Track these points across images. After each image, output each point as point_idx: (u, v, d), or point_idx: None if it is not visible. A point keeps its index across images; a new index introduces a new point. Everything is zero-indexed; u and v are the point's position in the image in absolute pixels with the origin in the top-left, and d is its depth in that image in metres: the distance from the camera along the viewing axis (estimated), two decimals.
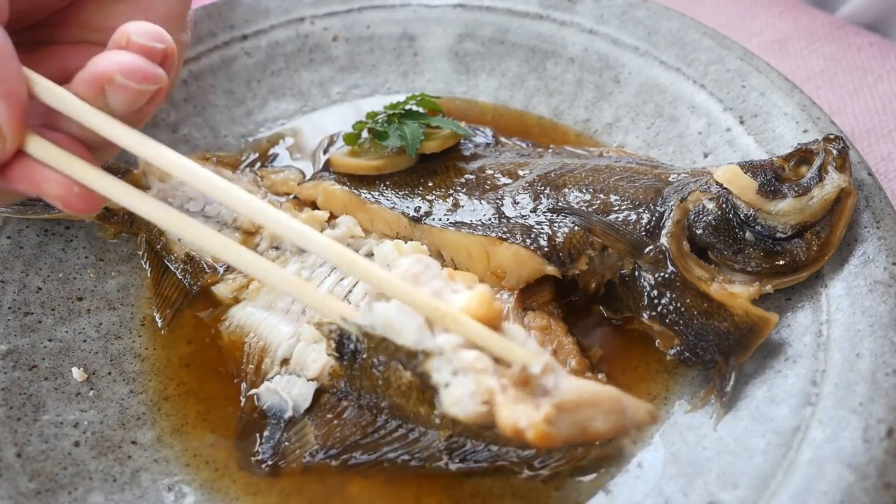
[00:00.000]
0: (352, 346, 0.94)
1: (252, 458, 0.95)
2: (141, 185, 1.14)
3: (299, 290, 0.84)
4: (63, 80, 0.84)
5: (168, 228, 0.85)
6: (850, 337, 0.91)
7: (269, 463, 0.94)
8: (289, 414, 0.95)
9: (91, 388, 1.01)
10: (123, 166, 1.15)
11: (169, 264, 1.10)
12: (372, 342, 0.82)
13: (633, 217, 1.00)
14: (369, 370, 0.93)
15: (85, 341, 1.05)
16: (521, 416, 0.72)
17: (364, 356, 0.91)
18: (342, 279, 1.03)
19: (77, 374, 1.01)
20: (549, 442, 0.72)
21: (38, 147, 0.82)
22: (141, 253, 1.12)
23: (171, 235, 1.11)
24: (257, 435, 0.96)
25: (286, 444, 0.95)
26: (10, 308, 1.04)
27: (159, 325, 1.06)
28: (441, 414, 0.85)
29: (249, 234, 1.12)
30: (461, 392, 0.75)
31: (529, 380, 0.75)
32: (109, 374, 1.02)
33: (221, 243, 0.84)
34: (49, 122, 0.85)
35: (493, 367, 0.75)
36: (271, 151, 1.23)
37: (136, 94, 0.83)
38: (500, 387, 0.74)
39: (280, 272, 0.84)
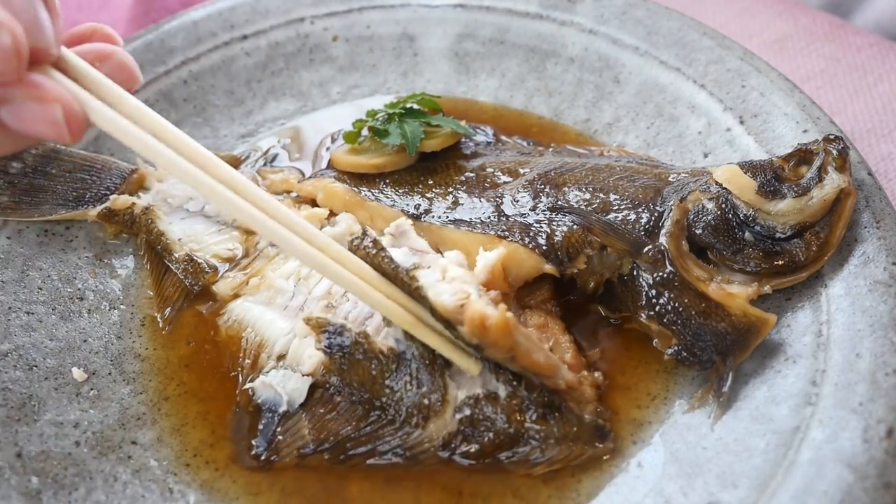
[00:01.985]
0: (339, 339, 0.94)
1: (247, 452, 0.95)
2: (145, 185, 1.14)
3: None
4: None
5: (164, 166, 0.85)
6: (850, 337, 0.91)
7: (264, 456, 0.94)
8: (283, 408, 0.96)
9: (91, 388, 1.01)
10: (128, 167, 1.15)
11: (169, 265, 1.10)
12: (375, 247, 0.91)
13: (633, 216, 1.00)
14: (357, 364, 0.94)
15: (85, 341, 1.05)
16: (488, 310, 0.86)
17: (351, 350, 0.93)
18: None
19: (77, 374, 1.01)
20: (504, 333, 0.85)
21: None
22: (141, 253, 1.12)
23: (172, 236, 1.11)
24: (252, 429, 0.96)
25: (280, 437, 0.95)
26: (10, 308, 1.04)
27: (160, 324, 1.06)
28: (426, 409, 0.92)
29: (249, 233, 1.12)
30: (443, 289, 0.88)
31: (500, 301, 0.91)
32: (109, 374, 1.02)
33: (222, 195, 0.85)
34: None
35: (479, 286, 0.91)
36: (271, 151, 1.24)
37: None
38: (477, 294, 0.88)
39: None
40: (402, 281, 0.89)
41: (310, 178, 1.17)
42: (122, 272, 1.11)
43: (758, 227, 0.98)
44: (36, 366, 1.01)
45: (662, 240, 0.98)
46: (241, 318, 1.04)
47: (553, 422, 0.92)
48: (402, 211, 1.08)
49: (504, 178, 1.09)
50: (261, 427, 0.96)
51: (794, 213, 0.97)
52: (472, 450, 0.92)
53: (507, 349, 0.87)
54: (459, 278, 0.90)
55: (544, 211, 1.03)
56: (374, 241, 0.91)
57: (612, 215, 1.01)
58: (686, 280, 0.96)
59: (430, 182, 1.12)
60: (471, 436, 0.92)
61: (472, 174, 1.11)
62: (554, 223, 1.01)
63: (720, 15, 1.47)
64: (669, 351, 0.95)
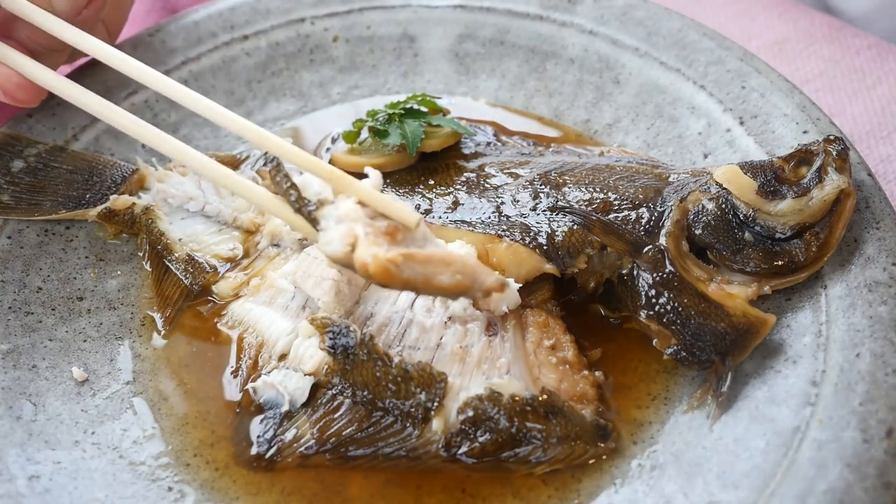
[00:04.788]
0: (344, 340, 0.94)
1: (248, 452, 0.95)
2: (146, 185, 1.14)
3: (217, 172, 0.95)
4: None
5: (109, 122, 0.98)
6: (850, 337, 0.91)
7: (266, 457, 0.94)
8: (285, 408, 0.96)
9: (91, 388, 1.01)
10: (128, 167, 1.15)
11: (170, 264, 1.10)
12: (285, 184, 0.90)
13: (633, 216, 1.00)
14: (361, 365, 0.94)
15: (85, 341, 1.05)
16: (369, 253, 0.83)
17: (355, 350, 0.93)
18: None
19: (77, 373, 1.01)
20: (388, 277, 0.84)
21: None
22: (142, 253, 1.12)
23: (172, 236, 1.11)
24: (253, 429, 0.96)
25: (282, 437, 0.95)
26: (10, 308, 1.04)
27: (160, 324, 1.06)
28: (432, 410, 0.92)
29: (250, 233, 1.12)
30: (333, 235, 0.87)
31: (396, 233, 0.88)
32: (109, 374, 1.02)
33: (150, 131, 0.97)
34: (1, 32, 1.03)
35: (367, 220, 0.87)
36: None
37: None
38: (364, 234, 0.85)
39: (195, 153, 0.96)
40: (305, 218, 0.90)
41: None
42: (122, 272, 1.11)
43: (758, 228, 0.98)
44: (36, 366, 1.01)
45: (662, 240, 0.98)
46: (241, 319, 1.05)
47: (555, 421, 0.92)
48: None
49: (504, 179, 1.09)
50: (262, 427, 0.96)
51: (794, 214, 0.97)
52: (475, 449, 0.92)
53: (400, 287, 0.86)
54: (350, 216, 0.88)
55: (545, 211, 1.03)
56: (285, 175, 0.90)
57: (612, 215, 1.01)
58: (686, 280, 0.96)
59: (431, 182, 1.12)
60: (473, 436, 0.92)
61: (472, 174, 1.12)
62: (554, 223, 1.01)
63: (719, 17, 1.47)
64: (668, 351, 0.96)
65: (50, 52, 1.08)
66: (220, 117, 0.95)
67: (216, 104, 0.96)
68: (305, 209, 0.89)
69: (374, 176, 0.92)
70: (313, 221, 0.89)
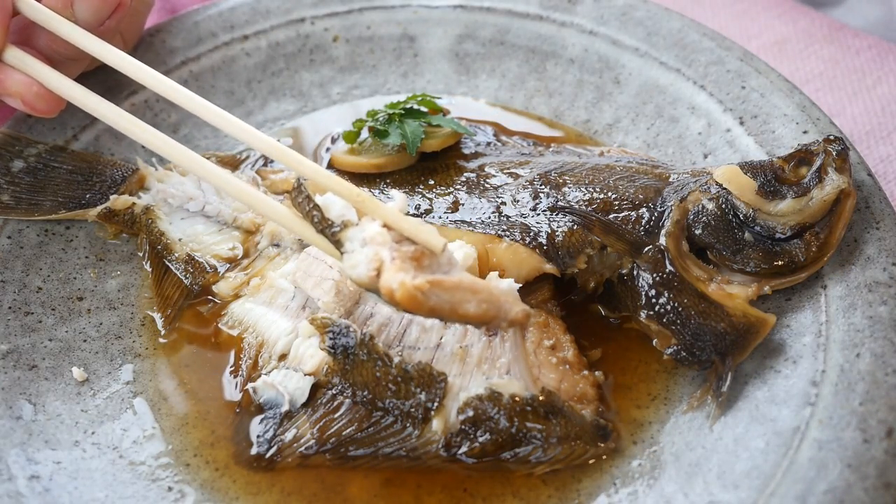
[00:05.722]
0: (344, 340, 0.94)
1: (248, 452, 0.95)
2: (146, 185, 1.14)
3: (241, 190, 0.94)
4: None
5: (128, 134, 0.96)
6: (850, 337, 0.91)
7: (266, 457, 0.94)
8: (285, 408, 0.96)
9: (91, 388, 1.01)
10: (129, 167, 1.15)
11: (170, 265, 1.10)
12: (308, 206, 0.89)
13: (633, 216, 1.01)
14: (361, 365, 0.94)
15: (85, 341, 1.05)
16: (395, 279, 0.81)
17: (356, 350, 0.93)
18: None
19: (77, 373, 1.01)
20: (414, 305, 0.81)
21: (11, 55, 0.98)
22: (142, 253, 1.12)
23: (172, 236, 1.11)
24: (253, 429, 0.96)
25: (282, 437, 0.95)
26: (10, 308, 1.04)
27: (160, 325, 1.06)
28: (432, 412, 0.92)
29: (250, 233, 1.12)
30: (359, 258, 0.85)
31: (422, 258, 0.85)
32: (109, 373, 1.02)
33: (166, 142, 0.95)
34: (20, 39, 1.01)
35: (393, 244, 0.85)
36: None
37: (101, 4, 0.99)
38: (391, 258, 0.83)
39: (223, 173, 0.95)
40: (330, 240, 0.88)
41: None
42: (122, 272, 1.11)
43: (758, 228, 0.98)
44: (36, 366, 1.01)
45: (662, 240, 0.98)
46: (242, 319, 1.05)
47: (555, 421, 0.92)
48: None
49: (504, 179, 1.10)
50: (262, 427, 0.96)
51: (794, 214, 0.97)
52: (475, 449, 0.92)
53: (427, 314, 0.84)
54: (376, 240, 0.85)
55: (545, 211, 1.03)
56: (307, 197, 0.89)
57: (612, 215, 1.01)
58: (686, 280, 0.96)
59: (431, 182, 1.12)
60: (473, 436, 0.92)
61: (472, 174, 1.12)
62: (554, 223, 1.02)
63: (719, 17, 1.47)
64: (668, 351, 0.96)
65: (69, 61, 1.06)
66: (247, 135, 0.94)
67: (243, 122, 0.94)
68: (329, 231, 0.87)
69: (400, 199, 0.90)
70: (337, 243, 0.87)
